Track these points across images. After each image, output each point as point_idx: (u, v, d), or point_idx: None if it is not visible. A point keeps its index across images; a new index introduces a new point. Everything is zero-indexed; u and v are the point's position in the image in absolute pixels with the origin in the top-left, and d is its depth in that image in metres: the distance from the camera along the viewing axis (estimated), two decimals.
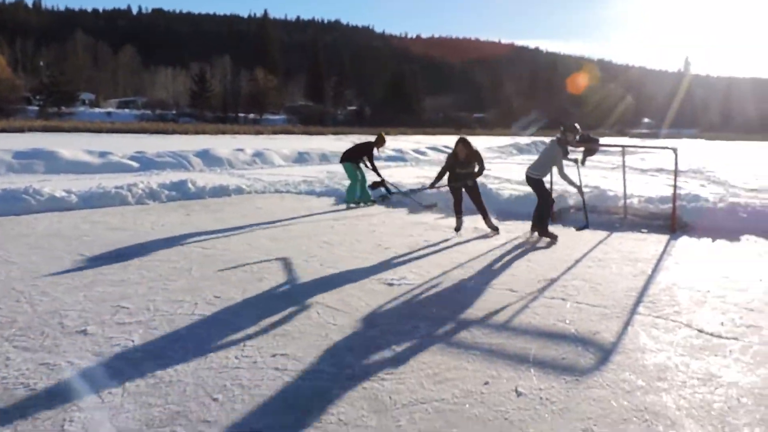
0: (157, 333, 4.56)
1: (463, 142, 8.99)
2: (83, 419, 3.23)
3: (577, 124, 8.82)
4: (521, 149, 39.95)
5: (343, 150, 12.97)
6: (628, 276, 6.48)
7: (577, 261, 7.19)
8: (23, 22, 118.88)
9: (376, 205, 12.12)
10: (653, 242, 8.38)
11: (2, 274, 6.15)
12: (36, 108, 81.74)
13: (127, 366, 3.93)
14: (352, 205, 12.02)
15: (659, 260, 7.28)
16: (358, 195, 12.25)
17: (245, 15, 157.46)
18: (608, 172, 18.60)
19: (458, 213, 9.18)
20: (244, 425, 3.22)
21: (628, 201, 10.43)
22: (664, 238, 8.68)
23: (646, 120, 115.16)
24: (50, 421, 3.20)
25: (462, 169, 9.01)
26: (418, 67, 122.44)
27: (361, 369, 3.97)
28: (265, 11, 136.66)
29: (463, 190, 9.09)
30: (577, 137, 8.68)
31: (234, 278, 6.20)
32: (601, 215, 10.10)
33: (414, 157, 29.49)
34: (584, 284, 6.16)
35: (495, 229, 9.03)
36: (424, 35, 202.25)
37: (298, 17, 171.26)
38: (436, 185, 9.37)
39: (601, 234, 8.95)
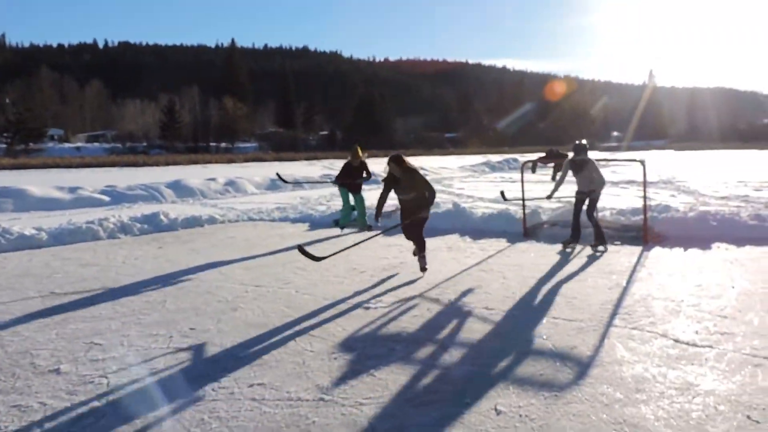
0: (132, 369, 4.49)
1: (394, 161, 7.67)
2: None
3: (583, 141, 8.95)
4: (493, 167, 40.27)
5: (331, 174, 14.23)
6: (603, 289, 6.54)
7: (551, 276, 7.25)
8: None
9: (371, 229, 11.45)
10: (626, 254, 8.47)
11: None
12: (3, 146, 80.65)
13: (100, 404, 3.87)
14: (345, 229, 11.83)
15: (633, 272, 7.35)
16: (353, 218, 12.11)
17: (212, 45, 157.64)
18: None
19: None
20: None
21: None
22: (637, 249, 8.78)
23: (615, 133, 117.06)
24: None
25: (404, 194, 7.67)
26: (387, 89, 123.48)
27: (339, 395, 3.95)
28: (233, 40, 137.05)
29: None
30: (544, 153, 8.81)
31: (209, 309, 6.15)
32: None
33: None
34: (560, 299, 6.21)
35: (423, 269, 7.52)
36: (391, 58, 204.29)
37: (266, 45, 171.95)
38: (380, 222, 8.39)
39: (575, 248, 9.04)
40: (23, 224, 11.45)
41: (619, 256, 8.38)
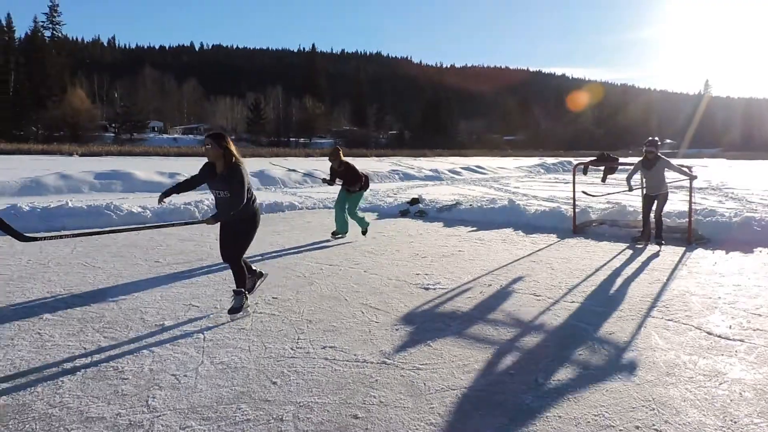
0: (224, 328, 4.83)
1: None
2: (164, 396, 3.50)
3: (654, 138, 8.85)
4: (548, 169, 39.67)
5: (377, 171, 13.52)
6: (644, 284, 6.53)
7: (597, 270, 7.26)
8: (99, 59, 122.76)
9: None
10: (669, 253, 8.37)
11: (90, 278, 6.53)
12: (112, 135, 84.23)
13: (198, 354, 4.21)
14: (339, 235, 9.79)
15: (674, 270, 7.27)
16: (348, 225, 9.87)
17: (295, 49, 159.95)
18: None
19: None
20: (298, 403, 3.45)
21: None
22: (680, 249, 8.66)
23: (668, 141, 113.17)
24: (137, 398, 3.48)
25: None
26: (453, 93, 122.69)
27: (399, 360, 4.16)
28: (313, 45, 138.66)
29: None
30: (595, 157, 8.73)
31: (288, 282, 6.46)
32: (621, 229, 10.11)
33: (450, 177, 29.63)
34: (602, 290, 6.25)
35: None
36: (457, 65, 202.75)
37: (343, 50, 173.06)
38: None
39: (620, 246, 8.98)
40: (130, 203, 12.09)
41: (663, 255, 8.29)
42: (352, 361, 4.13)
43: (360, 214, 9.87)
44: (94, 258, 7.66)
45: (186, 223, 5.83)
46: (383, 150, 76.92)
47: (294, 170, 11.49)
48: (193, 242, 9.05)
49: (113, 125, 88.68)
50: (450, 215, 12.48)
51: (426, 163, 40.20)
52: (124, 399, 3.46)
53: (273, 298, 5.77)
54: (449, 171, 31.79)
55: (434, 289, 6.25)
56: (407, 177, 28.06)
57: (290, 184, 21.73)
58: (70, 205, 11.14)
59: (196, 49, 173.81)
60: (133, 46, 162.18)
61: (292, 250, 8.47)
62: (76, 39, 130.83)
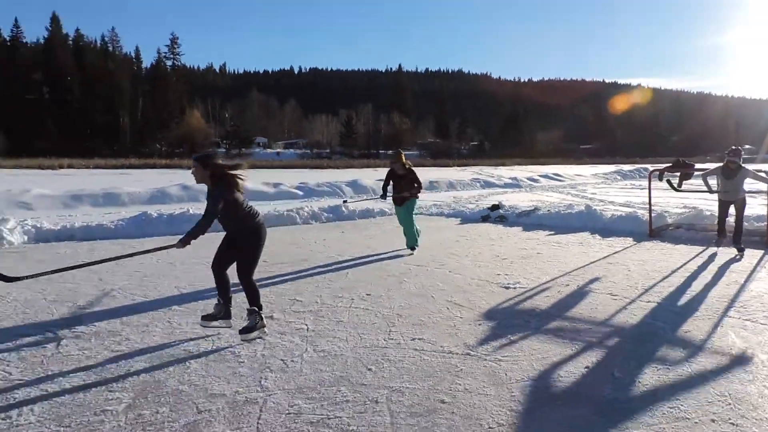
0: (324, 320, 5.02)
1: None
2: (274, 378, 3.69)
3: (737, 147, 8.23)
4: (625, 175, 38.13)
5: (457, 179, 13.04)
6: (722, 285, 6.22)
7: (674, 271, 6.97)
8: (213, 84, 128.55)
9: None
10: (748, 256, 7.90)
11: (209, 275, 6.89)
12: (223, 150, 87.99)
13: (303, 342, 4.40)
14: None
15: (752, 272, 6.87)
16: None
17: (383, 69, 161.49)
18: (707, 194, 17.62)
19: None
20: (390, 387, 3.55)
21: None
22: (759, 252, 8.16)
23: (747, 146, 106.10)
24: (251, 378, 3.69)
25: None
26: (530, 105, 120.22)
27: (482, 352, 4.19)
28: (399, 65, 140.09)
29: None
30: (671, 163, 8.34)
31: (380, 281, 6.60)
32: (698, 232, 9.65)
33: (528, 184, 29.11)
34: (679, 291, 6.01)
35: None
36: (534, 78, 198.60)
37: (427, 69, 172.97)
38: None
39: (697, 249, 8.57)
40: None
41: (741, 257, 7.86)
42: (439, 351, 4.20)
43: (417, 227, 8.72)
44: (210, 258, 8.07)
45: (158, 249, 4.91)
46: (465, 160, 76.31)
47: (346, 201, 11.09)
48: (295, 245, 9.39)
49: (224, 141, 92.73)
50: (529, 220, 12.29)
51: (505, 172, 39.62)
52: (240, 379, 3.68)
53: (367, 294, 5.92)
54: (528, 179, 31.22)
55: (514, 288, 6.21)
56: (488, 185, 27.79)
57: (380, 192, 22.02)
58: (190, 212, 11.82)
59: (296, 72, 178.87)
60: (241, 71, 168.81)
61: (384, 253, 8.62)
62: (193, 67, 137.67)
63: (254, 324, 4.50)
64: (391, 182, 8.83)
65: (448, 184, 26.15)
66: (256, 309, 4.57)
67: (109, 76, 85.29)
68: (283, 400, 3.37)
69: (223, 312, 4.70)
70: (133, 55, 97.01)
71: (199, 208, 13.60)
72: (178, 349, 4.25)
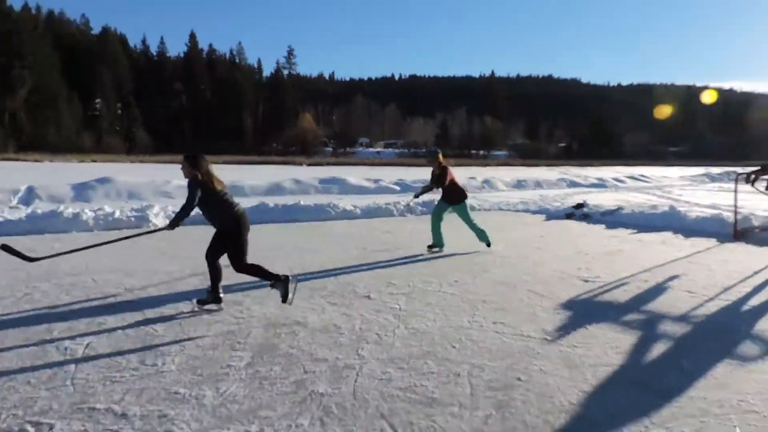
0: (415, 301, 5.15)
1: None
2: (370, 349, 3.87)
3: None
4: (713, 178, 35.38)
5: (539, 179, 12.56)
6: None
7: (756, 273, 6.49)
8: (323, 90, 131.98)
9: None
10: None
11: (315, 259, 7.25)
12: (330, 149, 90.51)
13: (395, 320, 4.55)
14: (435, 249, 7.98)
15: None
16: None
17: (476, 75, 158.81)
18: None
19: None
20: (472, 363, 3.62)
21: None
22: None
23: None
24: (350, 348, 3.89)
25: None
26: (619, 108, 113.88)
27: (559, 338, 4.16)
28: (492, 72, 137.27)
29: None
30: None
31: (466, 269, 6.64)
32: None
33: (614, 184, 27.75)
34: (759, 292, 5.61)
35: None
36: (623, 83, 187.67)
37: (518, 74, 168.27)
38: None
39: None
40: (345, 202, 13.05)
41: None
42: (518, 335, 4.21)
43: (480, 226, 8.11)
44: (318, 244, 8.46)
45: (147, 232, 5.31)
46: (553, 161, 73.78)
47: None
48: (392, 234, 9.59)
49: (332, 141, 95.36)
50: (612, 218, 11.80)
51: (592, 172, 37.94)
52: (340, 348, 3.89)
53: (455, 281, 5.99)
54: (613, 179, 29.75)
55: (594, 281, 6.05)
56: (573, 184, 26.78)
57: (470, 189, 21.85)
58: (302, 203, 12.34)
59: (396, 79, 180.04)
60: (347, 79, 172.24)
61: (471, 244, 8.60)
62: (306, 75, 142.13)
63: (285, 291, 4.54)
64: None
65: (535, 183, 25.47)
66: (275, 280, 4.60)
67: (236, 84, 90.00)
68: (377, 368, 3.53)
69: (211, 298, 4.79)
70: (255, 65, 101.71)
71: (308, 200, 14.18)
72: (289, 319, 4.53)
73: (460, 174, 9.54)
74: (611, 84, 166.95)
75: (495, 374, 3.45)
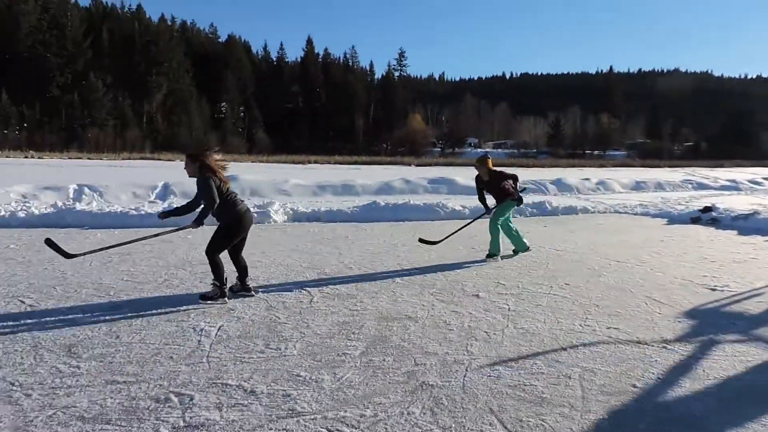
0: (524, 302, 5.11)
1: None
2: (479, 346, 3.92)
3: None
4: None
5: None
6: None
7: None
8: (433, 90, 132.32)
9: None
10: None
11: (426, 256, 7.37)
12: (438, 149, 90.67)
13: (504, 320, 4.56)
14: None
15: None
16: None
17: (593, 71, 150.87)
18: None
19: None
20: (583, 367, 3.55)
21: None
22: None
23: None
24: (459, 344, 3.96)
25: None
26: (759, 103, 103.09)
27: (679, 347, 3.95)
28: (611, 67, 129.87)
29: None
30: None
31: (579, 273, 6.44)
32: None
33: (749, 187, 25.25)
34: None
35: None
36: (764, 74, 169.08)
37: (640, 69, 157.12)
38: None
39: None
40: (454, 202, 13.08)
41: None
42: (634, 342, 4.06)
43: (518, 232, 7.32)
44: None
45: (173, 230, 5.21)
46: (677, 161, 68.53)
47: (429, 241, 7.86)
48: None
49: (440, 142, 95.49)
50: (746, 224, 10.81)
51: (723, 173, 34.78)
52: (450, 343, 3.98)
53: (565, 284, 5.85)
54: (749, 181, 27.08)
55: (721, 290, 5.64)
56: (701, 186, 24.74)
57: (584, 190, 20.96)
58: (411, 202, 12.57)
59: (507, 77, 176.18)
60: (457, 79, 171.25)
61: (584, 246, 8.33)
62: (416, 76, 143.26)
63: (213, 294, 4.79)
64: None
65: (656, 185, 23.84)
66: (218, 283, 4.78)
67: (349, 86, 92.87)
68: (486, 364, 3.58)
69: (218, 293, 4.84)
70: (367, 68, 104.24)
71: (417, 199, 14.38)
72: (400, 314, 4.69)
73: (573, 175, 9.17)
74: (750, 76, 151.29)
75: (608, 379, 3.37)
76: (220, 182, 4.71)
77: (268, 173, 23.05)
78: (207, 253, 4.81)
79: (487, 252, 7.15)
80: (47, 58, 68.22)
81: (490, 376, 3.40)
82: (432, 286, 5.70)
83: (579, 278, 6.12)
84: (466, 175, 23.60)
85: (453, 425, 2.78)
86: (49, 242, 4.60)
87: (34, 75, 66.20)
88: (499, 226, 7.12)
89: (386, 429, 2.73)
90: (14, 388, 3.08)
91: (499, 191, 7.17)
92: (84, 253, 4.98)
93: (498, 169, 7.38)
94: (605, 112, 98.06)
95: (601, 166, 59.22)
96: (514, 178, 7.44)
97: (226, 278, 4.86)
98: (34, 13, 69.94)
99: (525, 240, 7.45)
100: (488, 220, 7.31)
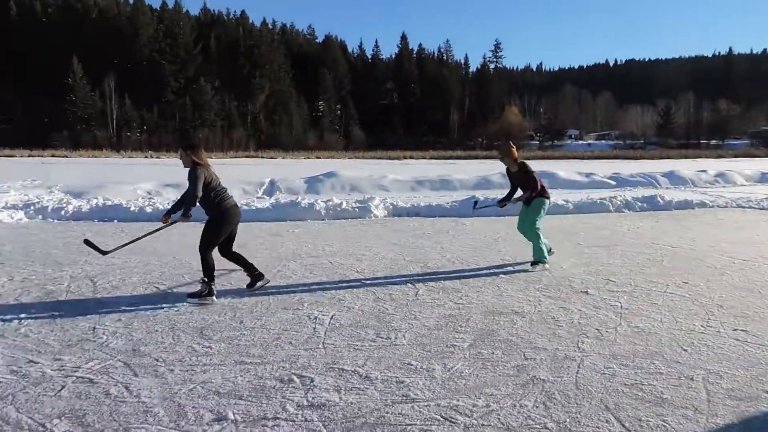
0: (638, 300, 4.92)
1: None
2: (590, 343, 3.84)
3: None
4: None
5: None
6: None
7: None
8: (529, 82, 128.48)
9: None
10: None
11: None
12: (536, 142, 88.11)
13: (617, 318, 4.42)
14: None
15: None
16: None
17: (709, 54, 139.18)
18: None
19: None
20: (708, 369, 3.38)
21: None
22: None
23: None
24: (569, 340, 3.90)
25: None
26: None
27: None
28: (730, 49, 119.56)
29: None
30: None
31: (698, 271, 6.07)
32: None
33: None
34: None
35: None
36: None
37: (764, 50, 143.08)
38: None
39: None
40: (555, 197, 12.67)
41: None
42: (765, 345, 3.79)
43: (543, 240, 6.19)
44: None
45: (164, 227, 4.97)
46: None
47: None
48: (608, 230, 9.13)
49: (538, 134, 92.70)
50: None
51: None
52: (559, 340, 3.93)
53: (683, 282, 5.55)
54: None
55: None
56: None
57: (700, 183, 19.55)
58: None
59: (610, 65, 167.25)
60: (556, 68, 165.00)
61: (702, 244, 7.82)
62: (513, 68, 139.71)
63: (202, 292, 4.76)
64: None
65: None
66: (206, 280, 4.76)
67: (443, 80, 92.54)
68: (599, 362, 3.51)
69: (253, 279, 5.13)
70: (462, 61, 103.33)
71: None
72: (507, 309, 4.69)
73: (687, 166, 8.64)
74: None
75: (736, 383, 3.19)
76: (211, 176, 4.79)
77: (366, 169, 23.57)
78: (200, 249, 4.81)
79: (532, 259, 6.19)
80: (163, 66, 73.93)
81: (604, 373, 3.33)
82: (537, 281, 5.63)
83: (698, 277, 5.78)
84: (568, 169, 22.81)
85: (567, 420, 2.77)
86: (87, 242, 4.86)
87: (151, 82, 72.01)
88: (537, 230, 6.15)
89: (499, 419, 2.78)
90: (159, 363, 3.45)
91: (527, 184, 6.29)
92: (115, 249, 5.11)
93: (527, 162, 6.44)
94: (723, 98, 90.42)
95: (719, 156, 54.88)
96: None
97: (215, 276, 4.88)
98: (151, 25, 76.07)
99: (547, 254, 6.27)
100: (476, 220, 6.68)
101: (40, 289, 5.20)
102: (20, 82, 66.79)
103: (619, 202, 11.94)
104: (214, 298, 4.80)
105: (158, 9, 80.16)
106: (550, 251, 6.36)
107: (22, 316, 4.34)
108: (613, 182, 18.85)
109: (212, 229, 4.84)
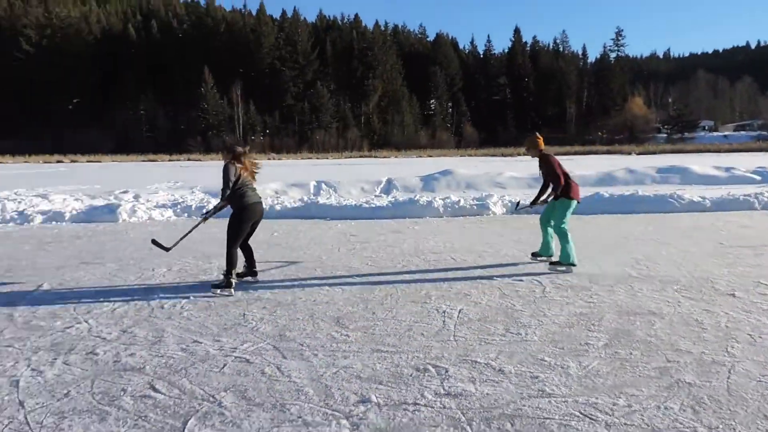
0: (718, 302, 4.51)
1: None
2: (741, 348, 3.59)
3: None
4: None
5: None
6: None
7: None
8: (655, 70, 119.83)
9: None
10: None
11: (661, 250, 6.85)
12: (663, 135, 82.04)
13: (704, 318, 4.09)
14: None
15: None
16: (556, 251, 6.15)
17: None
18: None
19: None
20: None
21: None
22: None
23: None
24: (717, 344, 3.67)
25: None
26: None
27: None
28: None
29: None
30: None
31: None
32: None
33: None
34: None
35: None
36: None
37: None
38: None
39: None
40: (691, 193, 11.82)
41: None
42: None
43: (570, 242, 5.79)
44: (663, 236, 7.97)
45: (205, 219, 5.46)
46: None
47: None
48: (754, 230, 8.36)
49: (665, 127, 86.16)
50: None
51: None
52: (705, 343, 3.70)
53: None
54: None
55: None
56: None
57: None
58: (639, 193, 11.70)
59: (752, 47, 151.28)
60: (686, 54, 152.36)
61: None
62: (636, 56, 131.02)
63: (220, 284, 5.08)
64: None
65: None
66: (225, 273, 5.10)
67: (558, 72, 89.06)
68: (753, 368, 3.28)
69: (246, 272, 5.53)
70: (579, 52, 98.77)
71: (645, 190, 13.33)
72: (642, 309, 4.49)
73: None
74: None
75: None
76: (239, 174, 5.14)
77: (480, 167, 23.38)
78: (227, 243, 5.14)
79: (563, 261, 5.84)
80: (283, 72, 78.20)
81: (760, 381, 3.11)
82: (675, 282, 5.32)
83: None
84: (704, 163, 21.12)
85: (720, 426, 2.64)
86: (154, 241, 5.51)
87: (273, 87, 76.49)
88: (564, 229, 5.79)
89: (643, 420, 2.71)
90: (303, 348, 3.74)
91: (549, 177, 5.97)
92: (174, 245, 5.65)
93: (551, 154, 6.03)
94: None
95: None
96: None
97: (234, 272, 5.17)
98: (272, 34, 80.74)
99: (574, 255, 5.84)
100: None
101: (194, 278, 5.80)
102: (161, 94, 73.99)
103: (766, 199, 10.86)
104: (232, 290, 5.08)
105: (278, 18, 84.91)
106: (572, 264, 5.83)
107: (183, 302, 4.88)
108: (757, 177, 17.15)
109: (236, 220, 5.17)
